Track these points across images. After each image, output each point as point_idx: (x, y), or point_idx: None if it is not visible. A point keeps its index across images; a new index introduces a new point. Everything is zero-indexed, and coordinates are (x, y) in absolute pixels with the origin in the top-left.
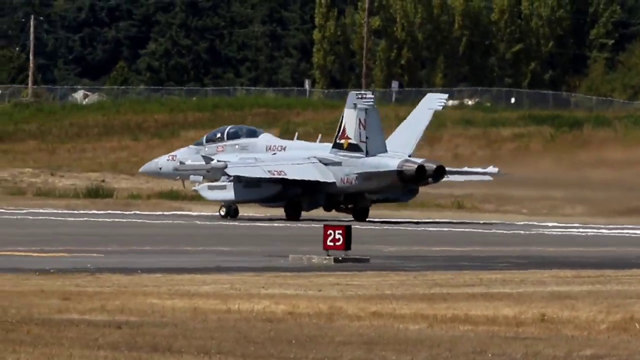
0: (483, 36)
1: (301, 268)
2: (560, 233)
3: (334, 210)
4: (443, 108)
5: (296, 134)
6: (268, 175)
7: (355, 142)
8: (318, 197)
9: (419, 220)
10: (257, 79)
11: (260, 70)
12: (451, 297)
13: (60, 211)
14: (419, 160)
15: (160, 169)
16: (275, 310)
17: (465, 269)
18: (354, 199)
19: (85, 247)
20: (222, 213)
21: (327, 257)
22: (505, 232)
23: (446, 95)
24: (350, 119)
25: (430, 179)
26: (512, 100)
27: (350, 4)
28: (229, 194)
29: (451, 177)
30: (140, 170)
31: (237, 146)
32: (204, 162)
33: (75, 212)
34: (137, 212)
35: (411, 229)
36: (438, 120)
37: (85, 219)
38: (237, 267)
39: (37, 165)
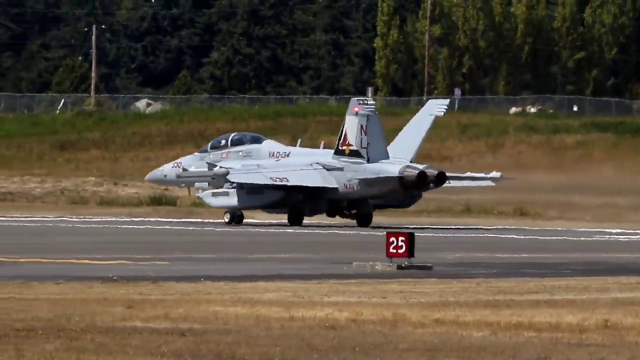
0: (546, 44)
1: (364, 275)
2: (624, 240)
3: (337, 216)
4: (443, 114)
5: (299, 140)
6: (270, 182)
7: (356, 149)
8: (321, 203)
9: (481, 227)
10: (319, 87)
11: (323, 78)
12: (515, 304)
13: (123, 219)
14: (420, 166)
15: (165, 176)
16: (338, 317)
17: (528, 275)
18: (357, 205)
19: (148, 255)
20: (227, 219)
21: (390, 264)
22: (568, 238)
23: (447, 101)
24: (351, 126)
25: (431, 185)
26: (575, 107)
27: (412, 12)
28: (232, 200)
29: (453, 183)
30: (146, 178)
31: (241, 153)
32: (206, 169)
33: (139, 220)
34: (200, 219)
35: (474, 235)
36: (501, 127)
37: (148, 227)
38: (300, 275)
39: (100, 174)
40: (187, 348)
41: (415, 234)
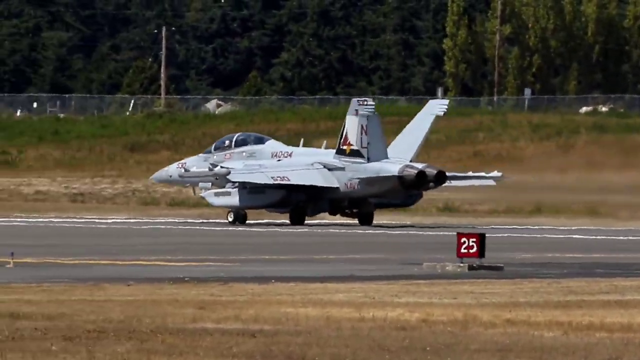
0: (617, 43)
1: (435, 276)
2: None
3: (339, 215)
4: (444, 114)
5: (301, 140)
6: (271, 181)
7: (357, 148)
8: (322, 202)
9: (553, 227)
10: (389, 88)
11: (393, 79)
12: (586, 304)
13: (193, 220)
14: (420, 166)
15: (170, 176)
16: (409, 318)
17: (599, 276)
18: (358, 204)
19: (220, 256)
20: (230, 219)
21: (461, 265)
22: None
23: (447, 101)
24: (352, 126)
25: (431, 184)
26: None
27: (481, 11)
28: (234, 200)
29: (454, 182)
30: (151, 177)
31: (244, 153)
32: (207, 169)
33: (209, 221)
34: (270, 220)
35: (544, 236)
36: (571, 126)
37: (219, 228)
38: (371, 276)
39: None
40: (257, 349)
41: (487, 234)
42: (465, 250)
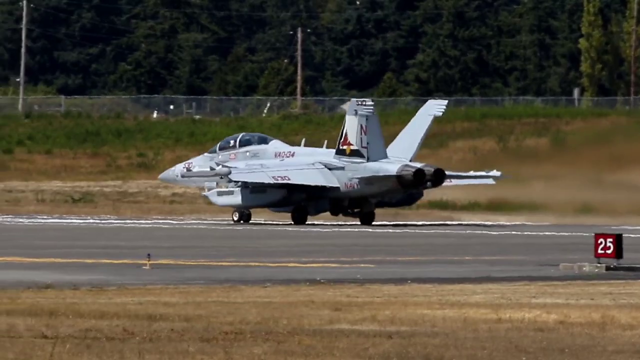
0: None
1: (572, 277)
2: None
3: (340, 215)
4: (442, 114)
5: (303, 140)
6: (272, 181)
7: (356, 148)
8: (323, 201)
9: None
10: (525, 89)
11: (529, 79)
12: None
13: (331, 223)
14: (418, 165)
15: (177, 176)
16: (546, 319)
17: None
18: (359, 204)
19: (355, 258)
20: (235, 218)
21: (599, 265)
22: None
23: (445, 102)
24: (351, 126)
25: (429, 183)
26: None
27: (617, 12)
28: (236, 199)
29: (454, 181)
30: (159, 177)
31: (248, 153)
32: (208, 169)
33: (345, 223)
34: (405, 222)
35: None
36: None
37: (355, 230)
38: (507, 277)
39: None
40: (394, 350)
41: (624, 235)
42: (602, 251)
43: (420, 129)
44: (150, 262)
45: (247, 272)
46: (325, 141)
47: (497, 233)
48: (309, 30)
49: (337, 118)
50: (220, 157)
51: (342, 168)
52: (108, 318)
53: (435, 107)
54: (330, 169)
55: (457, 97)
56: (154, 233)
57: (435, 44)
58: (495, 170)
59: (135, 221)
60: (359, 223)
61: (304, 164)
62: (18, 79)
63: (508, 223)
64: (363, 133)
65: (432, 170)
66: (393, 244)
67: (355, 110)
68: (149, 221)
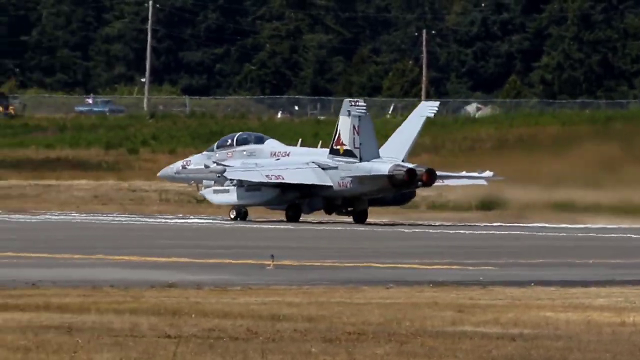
0: None
1: None
2: None
3: (334, 214)
4: (435, 115)
5: (299, 140)
6: (265, 179)
7: (349, 148)
8: (316, 200)
9: None
10: None
11: None
12: None
13: (454, 224)
14: (410, 165)
15: (175, 173)
16: None
17: None
18: (353, 203)
19: (477, 260)
20: (232, 215)
21: None
22: None
23: (437, 103)
24: (344, 126)
25: (419, 183)
26: None
27: None
28: (232, 197)
29: (446, 182)
30: (158, 174)
31: (245, 152)
32: (203, 167)
33: (466, 224)
34: (527, 224)
35: None
36: None
37: (476, 232)
38: (632, 280)
39: None
40: (517, 353)
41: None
42: None
43: (413, 130)
44: (273, 262)
45: (370, 273)
46: (320, 141)
47: (617, 236)
48: (433, 32)
49: (461, 120)
50: (218, 155)
51: (336, 167)
52: (231, 318)
53: (427, 108)
54: (324, 168)
55: (582, 100)
56: (276, 234)
57: (560, 47)
58: (487, 171)
59: (258, 222)
60: (353, 221)
61: (298, 164)
62: (143, 79)
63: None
64: (356, 133)
65: (424, 170)
66: (516, 245)
67: (349, 110)
68: (271, 221)
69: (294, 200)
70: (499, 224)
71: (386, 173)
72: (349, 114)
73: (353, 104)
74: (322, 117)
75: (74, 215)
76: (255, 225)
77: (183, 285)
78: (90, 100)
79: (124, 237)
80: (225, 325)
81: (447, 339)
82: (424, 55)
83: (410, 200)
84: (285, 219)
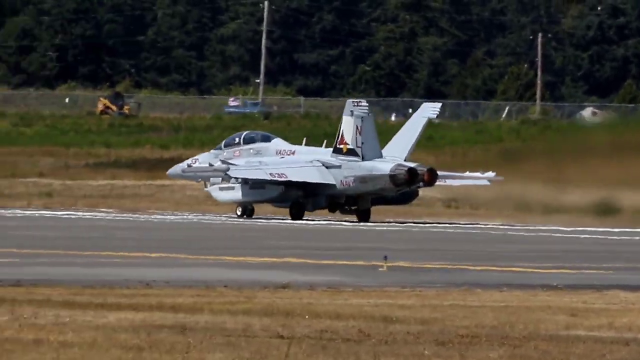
0: None
1: None
2: None
3: (338, 212)
4: (437, 116)
5: (304, 139)
6: (268, 177)
7: (352, 147)
8: (320, 198)
9: None
10: None
11: None
12: None
13: (566, 228)
14: (411, 164)
15: (183, 172)
16: None
17: None
18: (356, 201)
19: (592, 264)
20: (239, 212)
21: None
22: None
23: (439, 104)
24: (347, 126)
25: (421, 183)
26: None
27: None
28: (236, 194)
29: (448, 181)
30: (167, 172)
31: (252, 150)
32: (207, 165)
33: (578, 229)
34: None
35: None
36: None
37: (593, 236)
38: None
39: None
40: (631, 357)
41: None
42: None
43: (414, 131)
44: (386, 264)
45: (483, 275)
46: (325, 141)
47: None
48: (549, 35)
49: (576, 125)
50: (225, 154)
51: (339, 166)
52: (344, 319)
53: (429, 109)
54: (327, 167)
55: None
56: (389, 235)
57: None
58: (490, 172)
59: (373, 223)
60: (357, 220)
61: (302, 162)
62: (258, 80)
63: None
64: (358, 133)
65: (425, 169)
66: (634, 250)
67: (352, 111)
68: (385, 223)
69: (298, 198)
70: (617, 229)
71: (387, 172)
72: (352, 114)
73: (356, 104)
74: (436, 120)
75: (184, 216)
76: (370, 227)
77: (296, 286)
78: (233, 102)
79: (236, 238)
80: (338, 326)
81: (561, 343)
82: (539, 58)
83: (413, 199)
84: (289, 217)
